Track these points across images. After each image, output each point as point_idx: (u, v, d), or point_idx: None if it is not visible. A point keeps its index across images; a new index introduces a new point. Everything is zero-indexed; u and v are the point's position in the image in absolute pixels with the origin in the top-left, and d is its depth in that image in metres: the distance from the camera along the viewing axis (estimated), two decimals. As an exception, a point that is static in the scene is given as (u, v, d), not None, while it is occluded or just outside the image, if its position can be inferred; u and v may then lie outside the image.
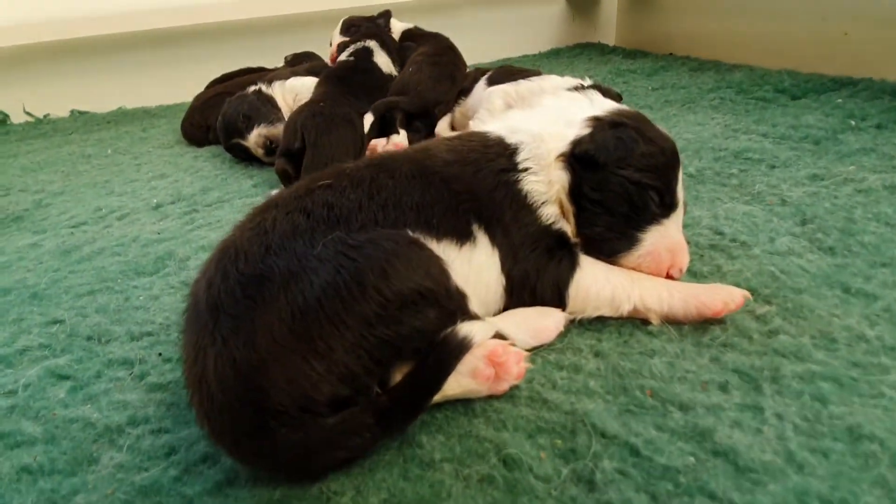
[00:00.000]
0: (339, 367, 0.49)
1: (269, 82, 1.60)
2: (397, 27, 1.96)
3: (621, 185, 0.65)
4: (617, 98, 1.15)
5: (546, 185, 0.68)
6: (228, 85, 1.86)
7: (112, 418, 0.60)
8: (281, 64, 2.42)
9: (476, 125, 1.30)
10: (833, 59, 1.74)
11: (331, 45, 1.82)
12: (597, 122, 0.70)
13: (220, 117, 1.51)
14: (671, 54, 2.35)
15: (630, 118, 0.71)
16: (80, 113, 2.56)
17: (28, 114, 2.56)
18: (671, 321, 0.64)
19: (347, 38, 1.76)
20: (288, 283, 0.51)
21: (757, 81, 1.60)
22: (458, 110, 1.60)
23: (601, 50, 2.68)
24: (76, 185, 1.48)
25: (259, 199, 1.25)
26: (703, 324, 0.63)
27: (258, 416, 0.48)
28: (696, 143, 1.21)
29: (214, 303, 0.52)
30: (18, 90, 2.54)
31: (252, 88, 1.57)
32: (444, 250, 0.59)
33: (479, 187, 0.66)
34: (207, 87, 2.02)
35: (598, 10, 3.01)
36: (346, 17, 1.87)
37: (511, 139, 0.71)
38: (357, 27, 1.81)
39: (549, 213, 0.68)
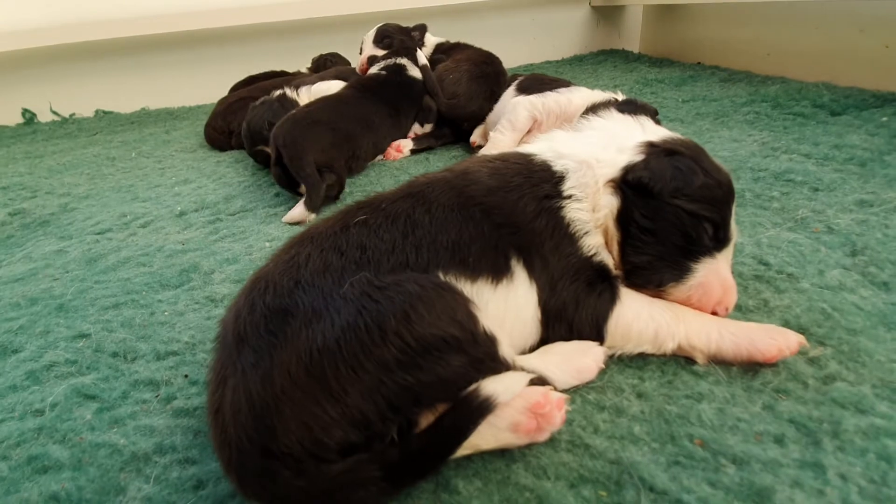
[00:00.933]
0: (353, 412, 0.47)
1: (296, 87, 1.59)
2: (431, 41, 1.95)
3: (676, 214, 0.63)
4: (653, 114, 1.12)
5: (590, 214, 0.66)
6: (252, 89, 1.85)
7: (139, 445, 0.59)
8: (305, 66, 2.43)
9: (497, 137, 1.27)
10: (873, 73, 1.68)
11: (361, 51, 1.81)
12: (651, 148, 0.67)
13: (244, 123, 1.51)
14: (699, 64, 2.30)
15: (686, 147, 0.68)
16: (105, 113, 2.59)
17: (55, 113, 2.60)
18: (718, 361, 0.61)
19: (380, 49, 1.75)
20: (310, 320, 0.49)
21: (793, 96, 1.55)
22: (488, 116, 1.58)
23: (626, 57, 2.64)
24: (101, 189, 1.48)
25: (282, 210, 1.24)
26: (752, 365, 0.60)
27: (264, 455, 0.46)
28: (734, 161, 1.17)
29: (240, 334, 0.51)
30: (46, 90, 2.58)
31: (276, 93, 1.56)
32: (479, 291, 0.58)
33: (521, 216, 0.64)
34: (231, 91, 2.03)
35: (623, 16, 2.96)
36: (381, 24, 1.85)
37: (557, 165, 0.68)
38: (391, 37, 1.79)
39: (592, 243, 0.65)
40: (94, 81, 2.59)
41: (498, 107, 1.47)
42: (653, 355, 0.63)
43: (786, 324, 0.67)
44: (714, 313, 0.64)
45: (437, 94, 1.57)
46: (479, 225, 0.61)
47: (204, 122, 2.21)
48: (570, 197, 0.66)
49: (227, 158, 1.67)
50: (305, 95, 1.58)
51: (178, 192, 1.41)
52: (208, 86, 2.66)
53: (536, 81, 1.40)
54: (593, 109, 1.17)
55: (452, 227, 0.60)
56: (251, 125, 1.47)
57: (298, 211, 1.17)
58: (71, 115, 2.59)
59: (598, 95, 1.22)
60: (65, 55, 2.49)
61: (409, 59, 1.66)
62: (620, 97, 1.20)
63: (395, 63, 1.62)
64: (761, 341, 0.59)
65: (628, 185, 0.65)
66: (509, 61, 2.81)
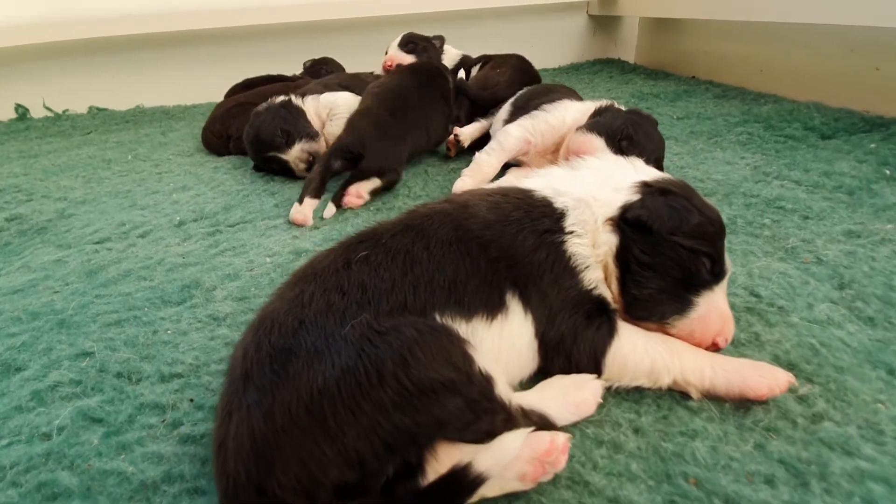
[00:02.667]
0: (350, 452, 0.48)
1: (301, 96, 1.58)
2: (452, 52, 1.98)
3: (674, 250, 0.65)
4: (654, 124, 1.15)
5: (590, 249, 0.68)
6: (250, 95, 1.84)
7: (147, 473, 0.59)
8: (299, 70, 2.42)
9: (482, 158, 1.25)
10: (863, 95, 1.72)
11: (386, 52, 1.84)
12: (646, 187, 0.69)
13: (249, 130, 1.49)
14: (694, 78, 2.33)
15: (677, 186, 0.70)
16: (99, 110, 2.56)
17: (48, 109, 2.56)
18: (711, 397, 0.63)
19: (405, 53, 1.80)
20: (312, 360, 0.51)
21: (785, 117, 1.58)
22: (483, 123, 1.58)
23: (621, 68, 2.66)
24: (98, 194, 1.47)
25: (281, 221, 1.24)
26: (744, 401, 0.62)
27: (260, 491, 0.48)
28: (727, 186, 1.19)
29: (246, 372, 0.53)
30: (39, 85, 2.54)
31: (279, 99, 1.56)
32: (474, 329, 0.59)
33: (519, 249, 0.65)
34: (228, 95, 2.02)
35: (620, 26, 2.98)
36: (406, 32, 1.88)
37: (557, 202, 0.70)
38: (415, 43, 1.83)
39: (592, 277, 0.67)
40: (89, 77, 2.56)
41: (495, 120, 1.48)
42: (649, 389, 0.65)
43: (776, 359, 0.69)
44: (714, 344, 0.67)
45: (469, 88, 1.63)
46: (475, 261, 0.63)
47: (200, 124, 2.19)
48: (571, 232, 0.68)
49: (224, 164, 1.67)
50: (312, 105, 1.57)
51: (176, 199, 1.41)
52: (205, 85, 2.64)
53: (532, 95, 1.40)
54: (600, 112, 1.20)
55: (449, 263, 0.62)
56: (261, 133, 1.46)
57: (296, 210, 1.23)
58: (64, 112, 2.55)
59: (587, 106, 1.24)
60: (59, 51, 2.46)
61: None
62: (605, 103, 1.23)
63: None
64: (752, 379, 0.61)
65: (627, 223, 0.67)
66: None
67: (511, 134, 1.23)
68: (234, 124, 1.75)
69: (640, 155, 1.09)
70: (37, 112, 2.55)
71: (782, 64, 2.06)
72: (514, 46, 2.89)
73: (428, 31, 2.74)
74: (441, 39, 1.95)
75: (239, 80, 2.52)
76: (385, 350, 0.50)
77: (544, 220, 0.68)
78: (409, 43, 1.86)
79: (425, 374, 0.50)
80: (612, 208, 0.69)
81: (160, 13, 2.31)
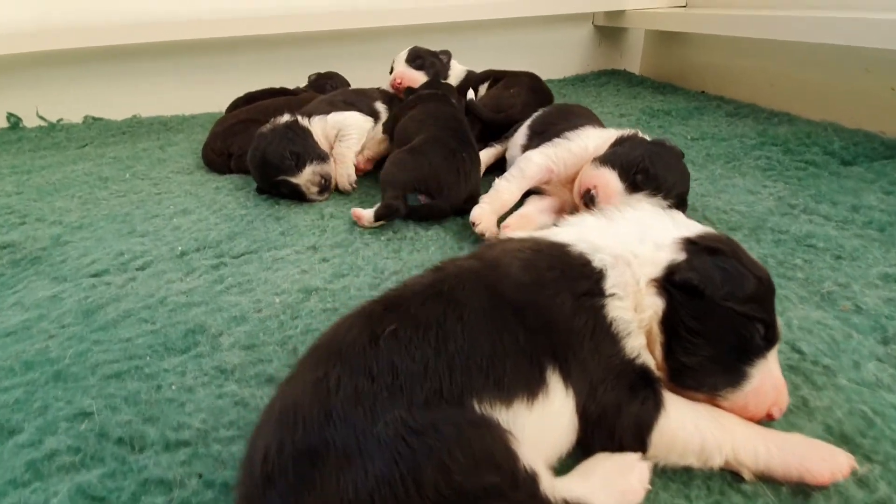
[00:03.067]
0: None
1: (308, 116, 1.52)
2: (458, 68, 1.93)
3: (727, 316, 0.60)
4: (680, 156, 1.10)
5: (633, 313, 0.63)
6: (252, 111, 1.78)
7: (153, 569, 0.54)
8: (302, 81, 2.35)
9: (502, 185, 1.18)
10: (879, 116, 1.68)
11: (391, 70, 1.79)
12: (691, 245, 0.64)
13: (255, 154, 1.42)
14: (704, 93, 2.28)
15: (724, 243, 0.65)
16: (95, 119, 2.49)
17: (41, 118, 2.49)
18: (765, 478, 0.59)
19: (413, 68, 1.77)
20: (342, 466, 0.46)
21: (803, 140, 1.54)
22: (497, 148, 1.53)
23: (628, 80, 2.61)
24: (94, 218, 1.41)
25: (288, 252, 1.18)
26: (801, 485, 0.58)
27: None
28: (752, 219, 1.15)
29: (268, 475, 0.48)
30: (32, 93, 2.46)
31: (284, 119, 1.50)
32: (515, 415, 0.54)
33: (557, 314, 0.60)
34: (229, 110, 1.95)
35: (625, 37, 2.94)
36: (412, 47, 1.83)
37: (595, 259, 0.65)
38: (423, 58, 1.78)
39: (635, 345, 0.62)
40: (83, 86, 2.48)
41: (511, 144, 1.43)
42: (698, 469, 0.60)
43: (828, 429, 0.65)
44: (768, 415, 0.62)
45: (482, 111, 1.58)
46: (512, 333, 0.58)
47: (200, 137, 2.13)
48: (612, 295, 0.63)
49: (226, 184, 1.61)
50: (319, 125, 1.51)
51: (177, 224, 1.34)
52: (203, 95, 2.57)
53: (551, 118, 1.35)
54: (621, 142, 1.14)
55: (485, 338, 0.57)
56: (269, 155, 1.39)
57: (369, 215, 1.24)
58: (59, 121, 2.48)
59: (610, 133, 1.19)
60: (53, 58, 2.38)
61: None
62: (640, 134, 1.17)
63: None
64: (812, 462, 0.57)
65: (674, 285, 0.62)
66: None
67: (533, 161, 1.18)
68: (235, 142, 1.69)
69: (657, 190, 1.05)
70: (30, 121, 2.48)
71: (794, 80, 2.02)
72: (518, 56, 2.85)
73: (431, 42, 2.69)
74: (447, 55, 1.90)
75: (239, 90, 2.46)
76: (423, 454, 0.45)
77: (582, 281, 0.63)
78: (417, 58, 1.81)
79: (467, 480, 0.45)
80: (656, 268, 0.64)
81: (158, 22, 2.23)
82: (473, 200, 1.26)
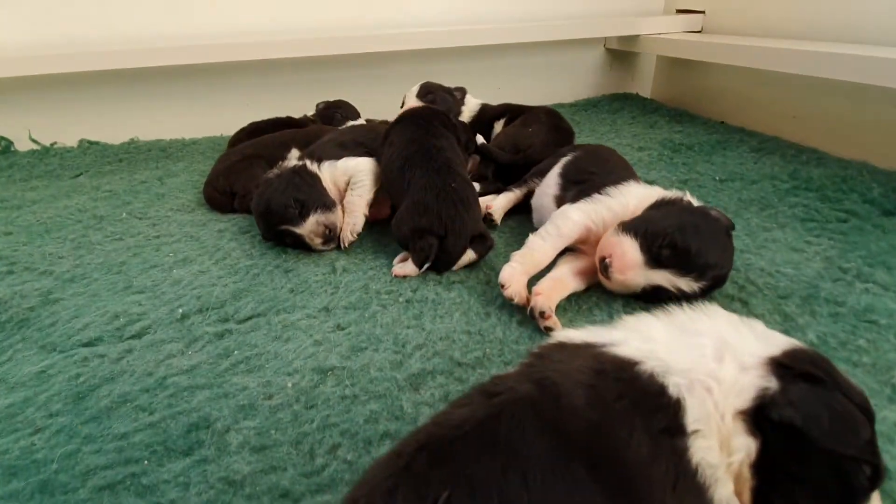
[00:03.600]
0: None
1: (317, 161, 1.41)
2: (473, 103, 1.84)
3: (832, 460, 0.51)
4: (724, 231, 1.00)
5: (718, 455, 0.53)
6: (258, 145, 1.68)
7: None
8: (307, 104, 2.26)
9: (536, 243, 1.08)
10: (913, 157, 1.61)
11: (402, 105, 1.70)
12: (782, 370, 0.55)
13: (259, 202, 1.32)
14: (723, 123, 2.20)
15: (819, 367, 0.56)
16: (90, 143, 2.38)
17: (34, 141, 2.38)
18: None
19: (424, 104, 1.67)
20: None
21: (839, 185, 1.45)
22: (516, 192, 1.43)
23: (642, 107, 2.53)
24: (88, 267, 1.30)
25: (299, 316, 1.08)
26: None
27: None
28: (802, 285, 1.06)
29: None
30: (24, 115, 2.35)
31: (292, 164, 1.40)
32: None
33: (633, 460, 0.51)
34: (231, 143, 1.85)
35: (638, 60, 2.86)
36: (424, 81, 1.75)
37: (669, 384, 0.55)
38: (434, 94, 1.69)
39: (723, 495, 0.52)
40: (79, 108, 2.38)
41: (540, 192, 1.32)
42: None
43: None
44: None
45: (497, 154, 1.52)
46: (586, 495, 0.48)
47: (201, 166, 2.04)
48: (695, 433, 0.53)
49: (230, 226, 1.50)
50: (329, 172, 1.39)
51: (177, 277, 1.24)
52: (204, 118, 2.47)
53: (586, 167, 1.25)
54: (659, 205, 1.05)
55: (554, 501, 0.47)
56: (272, 204, 1.29)
57: (411, 267, 1.20)
58: (53, 145, 2.37)
59: (657, 192, 1.09)
60: (47, 80, 2.27)
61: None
62: (687, 197, 1.07)
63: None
64: None
65: (770, 421, 0.53)
66: (522, 102, 2.70)
67: (571, 219, 1.08)
68: (238, 180, 1.59)
69: (685, 270, 0.93)
70: (22, 145, 2.36)
71: (818, 113, 1.95)
72: (528, 80, 2.77)
73: (439, 66, 2.61)
74: (462, 91, 1.82)
75: (241, 113, 2.37)
76: None
77: (658, 414, 0.54)
78: (428, 94, 1.72)
79: None
80: (743, 398, 0.54)
81: (157, 47, 2.13)
82: (482, 237, 1.21)
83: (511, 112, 1.73)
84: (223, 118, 2.48)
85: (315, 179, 1.38)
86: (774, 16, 2.22)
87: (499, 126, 1.72)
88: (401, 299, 1.13)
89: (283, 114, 2.49)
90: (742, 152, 1.83)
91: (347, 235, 1.31)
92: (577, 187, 1.18)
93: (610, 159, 1.29)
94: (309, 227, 1.29)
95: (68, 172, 2.05)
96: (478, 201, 1.27)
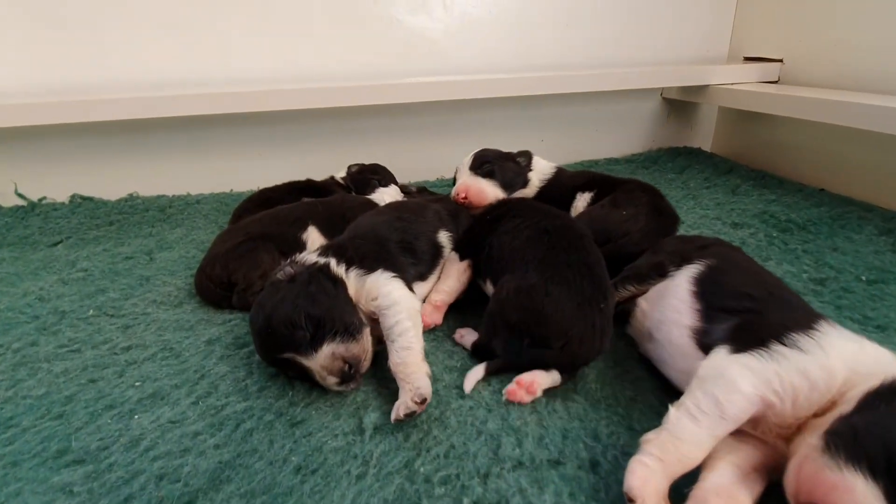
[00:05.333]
0: None
1: (345, 263, 1.01)
2: (543, 167, 1.45)
3: None
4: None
5: None
6: (266, 221, 1.29)
7: None
8: (329, 160, 1.91)
9: (685, 427, 0.65)
10: None
11: (455, 179, 1.34)
12: None
13: (259, 315, 0.91)
14: (823, 190, 1.79)
15: None
16: (83, 199, 2.03)
17: (20, 196, 2.04)
18: None
19: (479, 175, 1.34)
20: None
21: None
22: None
23: (712, 165, 2.13)
24: (20, 404, 0.90)
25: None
26: None
27: None
28: None
29: None
30: (12, 167, 2.02)
31: (312, 260, 1.00)
32: None
33: None
34: (235, 216, 1.47)
35: (697, 110, 2.49)
36: (479, 150, 1.38)
37: None
38: (491, 163, 1.31)
39: None
40: (73, 159, 2.04)
41: (657, 310, 0.91)
42: None
43: None
44: None
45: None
46: None
47: (202, 231, 1.67)
48: None
49: (223, 334, 1.11)
50: (356, 282, 0.99)
51: (136, 433, 0.83)
52: (211, 172, 2.13)
53: (735, 285, 0.81)
54: (886, 395, 0.62)
55: None
56: (276, 322, 0.87)
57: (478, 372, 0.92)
58: (41, 200, 2.02)
59: (871, 352, 0.67)
60: (39, 129, 1.95)
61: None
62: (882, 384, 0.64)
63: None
64: None
65: None
66: (563, 157, 2.31)
67: (739, 391, 0.65)
68: (239, 268, 1.20)
69: None
70: (7, 199, 2.02)
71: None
72: (574, 131, 2.39)
73: (474, 116, 2.24)
74: (527, 157, 1.43)
75: (250, 168, 2.03)
76: None
77: None
78: (485, 163, 1.35)
79: None
80: None
81: (160, 96, 1.80)
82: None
83: (597, 185, 1.32)
84: (232, 172, 2.14)
85: (339, 288, 0.97)
86: (864, 67, 1.84)
87: (581, 201, 1.31)
88: (466, 500, 0.71)
89: (299, 166, 2.14)
90: (870, 235, 1.41)
91: (405, 406, 0.84)
92: (730, 320, 0.76)
93: (761, 273, 0.88)
94: (322, 359, 0.87)
95: (46, 238, 1.70)
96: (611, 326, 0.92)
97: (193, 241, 1.61)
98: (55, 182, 2.05)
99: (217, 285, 1.21)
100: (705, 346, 0.77)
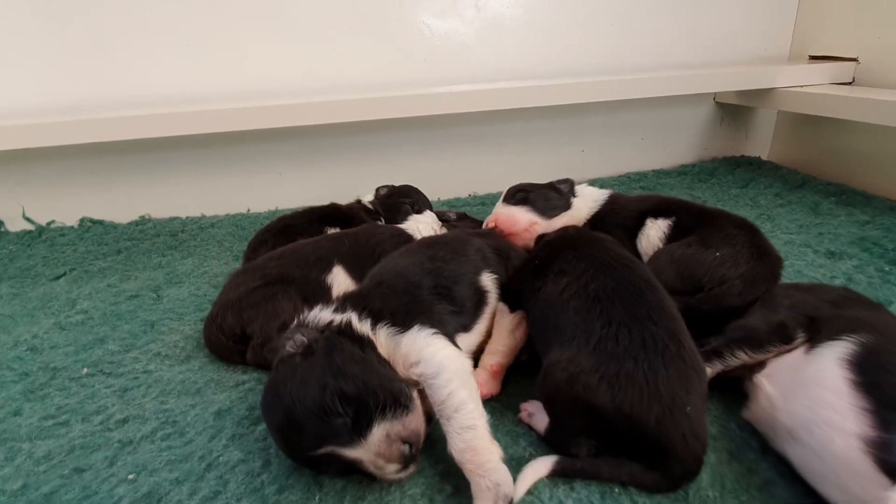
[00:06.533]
0: None
1: (369, 314, 0.80)
2: (591, 195, 1.23)
3: None
4: None
5: None
6: (286, 261, 1.09)
7: None
8: (352, 178, 1.71)
9: None
10: None
11: (499, 220, 1.13)
12: None
13: (273, 405, 0.70)
14: (889, 200, 1.53)
15: None
16: (93, 223, 1.88)
17: (28, 220, 1.89)
18: None
19: (512, 204, 1.14)
20: None
21: None
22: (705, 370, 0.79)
23: (781, 178, 1.87)
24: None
25: None
26: None
27: None
28: None
29: None
30: (19, 189, 1.88)
31: (327, 319, 0.80)
32: None
33: None
34: (250, 252, 1.28)
35: (753, 115, 2.23)
36: (513, 185, 1.17)
37: None
38: (523, 190, 1.11)
39: None
40: (83, 181, 1.89)
41: (797, 386, 0.67)
42: None
43: None
44: None
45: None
46: None
47: (215, 263, 1.51)
48: None
49: (235, 401, 0.91)
50: (387, 341, 0.77)
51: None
52: (226, 192, 1.95)
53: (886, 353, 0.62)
54: None
55: None
56: (301, 411, 0.66)
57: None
58: (49, 224, 1.88)
59: None
60: (46, 151, 1.80)
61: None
62: None
63: None
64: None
65: None
66: (607, 169, 2.08)
67: None
68: (255, 318, 1.00)
69: None
70: (15, 224, 1.88)
71: None
72: (619, 141, 2.13)
73: (507, 126, 2.02)
74: (569, 184, 1.22)
75: (268, 186, 1.84)
76: None
77: None
78: (518, 192, 1.15)
79: None
80: None
81: (174, 113, 1.62)
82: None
83: (674, 210, 1.05)
84: (249, 191, 1.96)
85: (368, 350, 0.76)
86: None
87: (655, 229, 1.07)
88: None
89: (319, 183, 1.96)
90: None
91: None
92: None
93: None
94: (376, 445, 0.66)
95: (49, 271, 1.53)
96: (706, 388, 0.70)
97: (206, 273, 1.42)
98: (64, 204, 1.90)
99: (229, 338, 1.02)
100: (890, 466, 0.54)
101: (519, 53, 1.96)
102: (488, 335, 0.94)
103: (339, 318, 0.80)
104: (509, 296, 0.93)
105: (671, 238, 1.02)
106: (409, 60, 1.90)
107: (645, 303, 0.73)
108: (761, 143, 2.23)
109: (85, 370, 1.02)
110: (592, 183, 1.99)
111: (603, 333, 0.71)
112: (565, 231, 0.97)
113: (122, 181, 1.91)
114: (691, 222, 1.02)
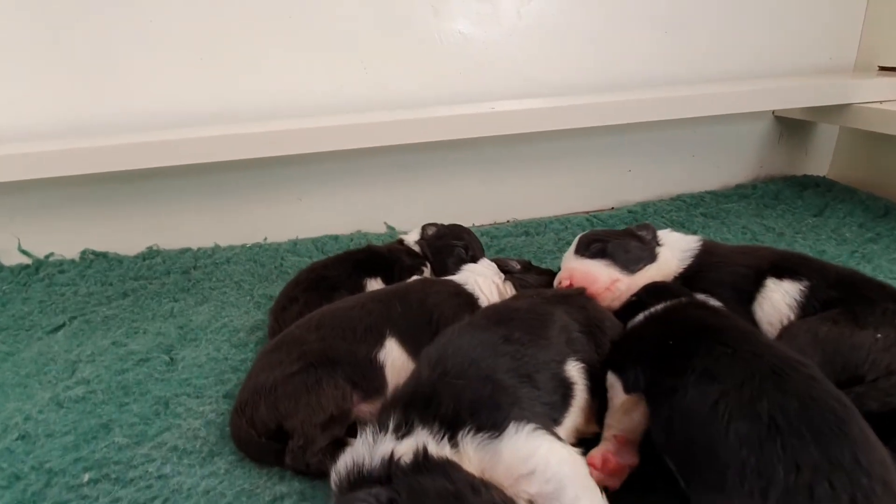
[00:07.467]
0: None
1: (444, 425, 0.62)
2: (679, 243, 1.02)
3: None
4: None
5: None
6: (328, 332, 0.88)
7: None
8: (389, 207, 1.51)
9: None
10: None
11: (575, 278, 0.92)
12: None
13: None
14: None
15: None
16: (95, 256, 1.67)
17: (24, 253, 1.70)
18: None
19: (586, 257, 0.94)
20: None
21: None
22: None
23: (860, 203, 1.66)
24: None
25: None
26: None
27: None
28: None
29: None
30: (15, 219, 1.68)
31: (387, 450, 0.57)
32: None
33: None
34: (281, 308, 1.07)
35: (814, 130, 2.02)
36: (583, 233, 0.96)
37: None
38: (599, 240, 0.92)
39: None
40: (84, 210, 1.69)
41: None
42: None
43: None
44: None
45: None
46: None
47: (232, 307, 1.30)
48: None
49: (275, 527, 0.72)
50: (480, 456, 0.57)
51: None
52: (241, 220, 1.76)
53: None
54: None
55: None
56: None
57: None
58: (48, 257, 1.68)
59: None
60: (45, 179, 1.59)
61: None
62: None
63: None
64: None
65: None
66: (655, 190, 1.88)
67: None
68: (294, 412, 0.79)
69: None
70: (10, 257, 1.68)
71: None
72: (667, 160, 1.90)
73: (545, 145, 1.82)
74: (651, 231, 1.01)
75: (289, 213, 1.67)
76: None
77: None
78: (594, 242, 0.94)
79: None
80: None
81: (185, 139, 1.42)
82: None
83: (804, 270, 0.84)
84: (266, 219, 1.76)
85: (457, 478, 0.56)
86: None
87: (780, 293, 0.85)
88: None
89: (343, 210, 1.77)
90: None
91: None
92: None
93: None
94: None
95: (46, 320, 1.33)
96: None
97: (225, 327, 1.22)
98: (64, 235, 1.70)
99: (261, 433, 0.82)
100: None
101: (563, 63, 1.75)
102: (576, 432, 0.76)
103: (407, 445, 0.59)
104: (626, 374, 0.73)
105: (804, 308, 0.82)
106: (444, 75, 1.70)
107: (847, 437, 0.53)
108: (821, 161, 2.02)
109: (87, 476, 0.82)
110: (645, 207, 1.80)
111: (790, 484, 0.51)
112: (685, 307, 0.77)
113: (126, 209, 1.71)
114: (828, 289, 0.82)
